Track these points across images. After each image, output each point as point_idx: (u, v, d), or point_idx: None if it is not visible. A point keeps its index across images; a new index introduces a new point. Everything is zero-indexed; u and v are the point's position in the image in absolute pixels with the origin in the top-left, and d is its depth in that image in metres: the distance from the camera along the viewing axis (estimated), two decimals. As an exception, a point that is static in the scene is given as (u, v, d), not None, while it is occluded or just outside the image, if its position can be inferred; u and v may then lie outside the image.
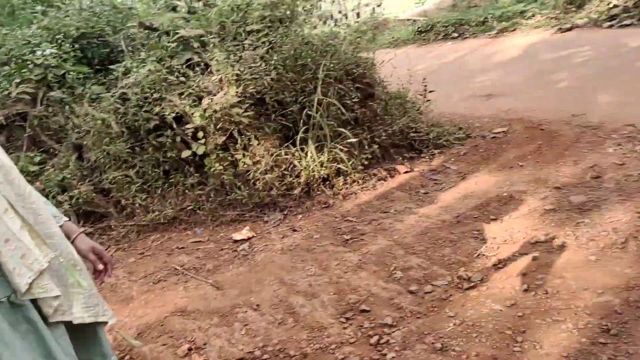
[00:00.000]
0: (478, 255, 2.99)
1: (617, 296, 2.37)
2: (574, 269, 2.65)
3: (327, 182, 4.22)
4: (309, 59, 4.13)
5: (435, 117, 5.65)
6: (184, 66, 4.24)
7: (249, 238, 3.66)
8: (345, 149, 4.18)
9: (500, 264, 2.86)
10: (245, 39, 4.33)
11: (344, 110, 4.09)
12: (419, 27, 12.49)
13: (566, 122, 4.76)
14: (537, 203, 3.43)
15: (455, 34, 11.34)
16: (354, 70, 4.44)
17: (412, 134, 4.85)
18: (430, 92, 5.68)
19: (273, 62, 4.04)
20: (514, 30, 10.05)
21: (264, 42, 4.29)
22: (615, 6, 9.10)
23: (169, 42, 4.29)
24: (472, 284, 2.72)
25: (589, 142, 4.20)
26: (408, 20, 15.11)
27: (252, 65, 3.96)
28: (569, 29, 8.94)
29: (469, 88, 7.08)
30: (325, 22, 4.86)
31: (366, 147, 4.31)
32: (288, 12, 4.63)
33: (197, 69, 4.24)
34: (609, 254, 2.72)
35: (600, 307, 2.33)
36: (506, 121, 5.29)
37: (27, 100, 4.71)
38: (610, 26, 8.62)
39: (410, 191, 4.15)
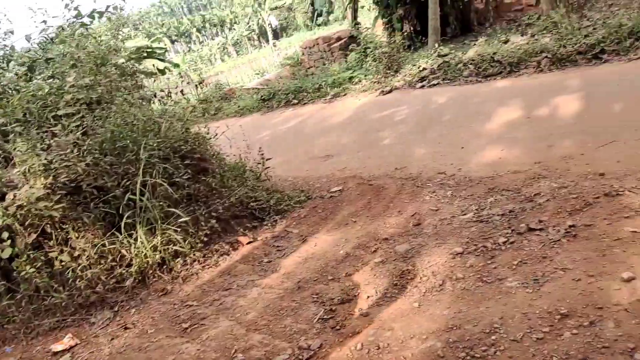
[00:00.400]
0: (317, 319, 2.98)
1: (439, 339, 2.51)
2: (401, 319, 2.76)
3: (164, 267, 3.94)
4: (129, 140, 3.93)
5: (276, 182, 5.76)
6: (-21, 160, 3.73)
7: (72, 347, 3.19)
8: (180, 229, 3.98)
9: (337, 326, 2.87)
10: (56, 124, 3.99)
11: (171, 190, 3.92)
12: (262, 96, 13.02)
13: (390, 176, 5.17)
14: (368, 257, 3.59)
15: (296, 100, 12.03)
16: (182, 147, 4.34)
17: (252, 203, 4.83)
18: (269, 159, 5.82)
19: (87, 146, 3.75)
20: (345, 94, 11.00)
21: (77, 126, 3.99)
22: (425, 69, 10.55)
23: (-42, 136, 3.77)
24: (312, 352, 2.68)
25: (409, 193, 4.59)
26: (253, 89, 15.71)
27: (62, 152, 3.63)
28: (390, 91, 10.07)
29: (309, 150, 7.42)
30: (149, 102, 4.72)
31: (203, 223, 4.16)
32: (106, 93, 4.41)
33: (-3, 161, 3.77)
34: (429, 297, 2.90)
35: (425, 353, 2.43)
36: (342, 179, 5.59)
37: None
38: (422, 86, 9.90)
39: (253, 262, 4.07)
